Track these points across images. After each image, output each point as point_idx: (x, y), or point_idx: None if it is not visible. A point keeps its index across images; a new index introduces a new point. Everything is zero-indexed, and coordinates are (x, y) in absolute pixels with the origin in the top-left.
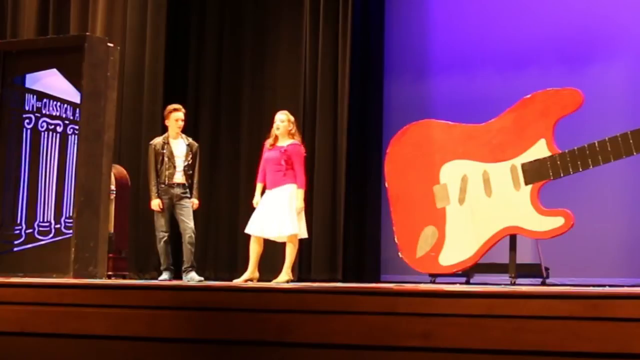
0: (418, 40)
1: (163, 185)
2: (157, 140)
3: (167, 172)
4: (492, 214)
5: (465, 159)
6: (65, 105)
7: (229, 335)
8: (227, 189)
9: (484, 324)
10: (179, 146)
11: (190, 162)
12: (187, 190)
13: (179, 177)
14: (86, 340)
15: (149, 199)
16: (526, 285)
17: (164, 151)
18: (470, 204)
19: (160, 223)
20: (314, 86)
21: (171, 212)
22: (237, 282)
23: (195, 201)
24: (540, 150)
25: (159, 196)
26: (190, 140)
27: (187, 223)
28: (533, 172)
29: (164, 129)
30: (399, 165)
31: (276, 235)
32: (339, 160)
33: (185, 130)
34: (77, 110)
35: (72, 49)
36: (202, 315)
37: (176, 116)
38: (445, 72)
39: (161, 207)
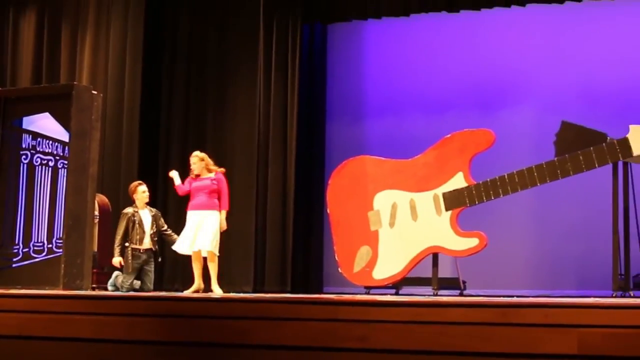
0: (355, 89)
1: (136, 251)
2: (129, 210)
3: (137, 237)
4: (417, 236)
5: (394, 189)
6: (56, 144)
7: (195, 339)
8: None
9: (411, 328)
10: (146, 215)
11: (155, 231)
12: (153, 256)
13: (147, 243)
14: (74, 342)
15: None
16: (446, 296)
17: (135, 219)
18: (399, 227)
19: (127, 280)
20: (266, 127)
21: (137, 273)
22: (186, 293)
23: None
24: (458, 181)
25: (121, 255)
26: (154, 210)
27: (149, 285)
28: (452, 200)
29: (140, 163)
30: (338, 195)
31: (207, 248)
32: (288, 190)
33: (158, 165)
34: (66, 148)
35: (62, 96)
36: (173, 321)
37: (142, 189)
38: (378, 116)
39: (122, 264)
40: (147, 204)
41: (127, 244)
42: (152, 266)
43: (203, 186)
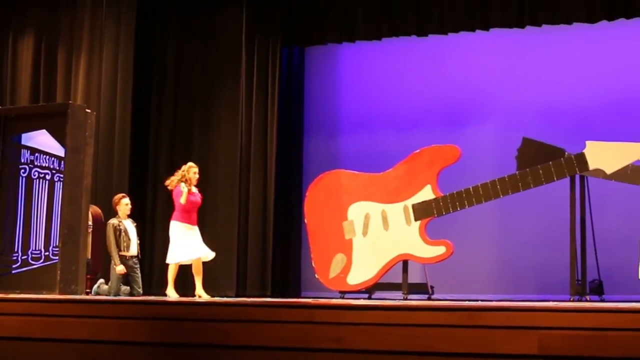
0: (330, 107)
1: (123, 258)
2: (114, 221)
3: (124, 244)
4: (389, 244)
5: (367, 200)
6: (53, 158)
7: (182, 340)
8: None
9: (383, 330)
10: (129, 225)
11: (139, 241)
12: (138, 262)
13: (134, 250)
14: (69, 344)
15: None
16: (416, 300)
17: (120, 228)
18: (372, 236)
19: (117, 285)
20: (248, 143)
21: (126, 278)
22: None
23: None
24: (427, 193)
25: (122, 262)
26: (134, 222)
27: (138, 290)
28: (421, 211)
29: (130, 176)
30: (315, 206)
31: (208, 256)
32: (268, 202)
33: (147, 178)
34: (62, 162)
35: (58, 114)
36: (161, 324)
37: (125, 201)
38: (352, 132)
39: (123, 272)
40: (129, 215)
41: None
42: (139, 271)
43: (197, 202)
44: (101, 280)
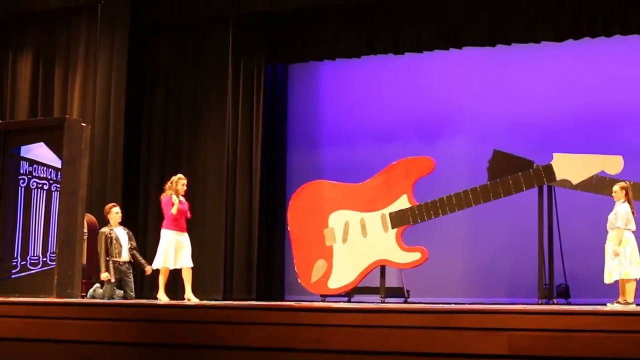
0: (312, 121)
1: (116, 263)
2: (105, 229)
3: (116, 251)
4: (367, 250)
5: (347, 209)
6: (50, 169)
7: (172, 341)
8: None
9: (361, 332)
10: (121, 232)
11: (132, 246)
12: (131, 267)
13: (125, 256)
14: (66, 344)
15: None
16: (392, 303)
17: (111, 236)
18: (351, 243)
19: (110, 290)
20: (234, 155)
21: (119, 282)
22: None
23: (149, 267)
24: (403, 202)
25: (107, 270)
26: (126, 229)
27: (130, 294)
28: (398, 219)
29: (124, 186)
30: (298, 214)
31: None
32: (254, 210)
33: (139, 187)
34: (59, 173)
35: (55, 128)
36: (152, 325)
37: (116, 210)
38: (332, 145)
39: (109, 278)
40: (120, 223)
41: (107, 258)
42: (131, 276)
43: (185, 210)
44: (97, 285)
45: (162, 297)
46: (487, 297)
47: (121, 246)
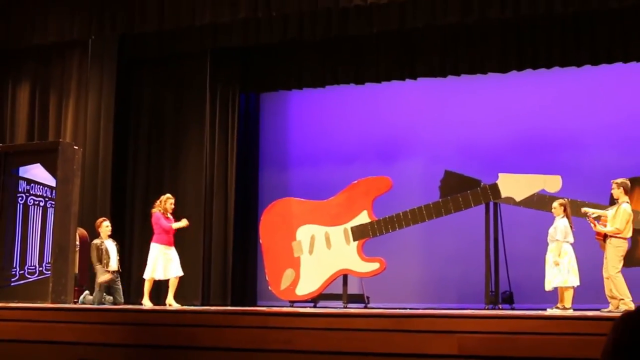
0: (282, 143)
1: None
2: (96, 241)
3: (105, 260)
4: (331, 261)
5: (313, 224)
6: (46, 188)
7: (156, 342)
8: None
9: (326, 334)
10: (110, 244)
11: (118, 257)
12: (119, 275)
13: (114, 265)
14: (59, 345)
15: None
16: (354, 309)
17: (102, 247)
18: (317, 254)
19: (100, 296)
20: (211, 175)
21: (108, 289)
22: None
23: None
24: (363, 218)
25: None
26: (115, 242)
27: (119, 299)
28: (359, 233)
29: (112, 203)
30: (268, 228)
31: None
32: (229, 225)
33: (126, 204)
34: (54, 191)
35: (50, 150)
36: (138, 328)
37: (106, 224)
38: (300, 166)
39: (106, 279)
40: (110, 236)
41: (100, 264)
42: (119, 283)
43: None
44: (86, 292)
45: (147, 303)
46: (439, 302)
47: (109, 257)
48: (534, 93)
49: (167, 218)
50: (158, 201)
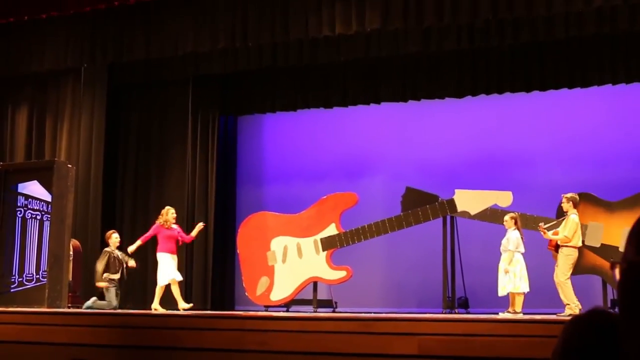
0: (257, 163)
1: (112, 281)
2: (109, 249)
3: (114, 268)
4: (302, 269)
5: (286, 235)
6: (42, 203)
7: (143, 343)
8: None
9: (298, 336)
10: (119, 254)
11: (126, 266)
12: (122, 279)
13: (119, 274)
14: (55, 346)
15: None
16: (323, 313)
17: (113, 255)
18: (289, 263)
19: (112, 297)
20: (193, 190)
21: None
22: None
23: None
24: (332, 230)
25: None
26: (121, 252)
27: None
28: (327, 243)
29: (102, 217)
30: (245, 239)
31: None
32: (209, 237)
33: (115, 218)
34: (49, 206)
35: (46, 169)
36: (127, 330)
37: (115, 236)
38: (274, 183)
39: (107, 285)
40: (118, 247)
41: (106, 274)
42: (118, 289)
43: (175, 236)
44: (94, 298)
45: (183, 305)
46: (400, 307)
47: (119, 264)
48: (487, 116)
49: (170, 228)
50: (160, 214)
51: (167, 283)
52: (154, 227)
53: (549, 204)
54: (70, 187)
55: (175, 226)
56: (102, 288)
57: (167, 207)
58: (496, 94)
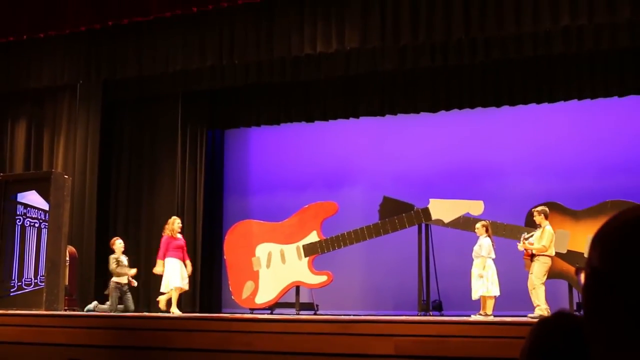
0: (243, 175)
1: (118, 285)
2: (115, 255)
3: (121, 271)
4: (285, 274)
5: (270, 242)
6: (40, 211)
7: (136, 344)
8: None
9: (281, 337)
10: (123, 259)
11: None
12: (129, 284)
13: (126, 277)
14: (52, 346)
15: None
16: (305, 315)
17: (120, 259)
18: (273, 268)
19: (116, 299)
20: (182, 200)
21: (120, 299)
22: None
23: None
24: (313, 237)
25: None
26: (126, 257)
27: (130, 306)
28: (309, 250)
29: (97, 225)
30: (232, 246)
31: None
32: (197, 244)
33: (109, 226)
34: (47, 214)
35: (44, 179)
36: (120, 332)
37: (119, 242)
38: (259, 193)
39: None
40: (123, 252)
41: (112, 279)
42: (129, 292)
43: (181, 245)
44: (95, 302)
45: (176, 311)
46: (377, 309)
47: (123, 269)
48: (460, 130)
49: (176, 238)
50: (166, 224)
51: (177, 286)
52: (163, 240)
53: (518, 212)
54: (66, 197)
55: (180, 236)
56: (108, 290)
57: (174, 217)
58: (468, 109)
